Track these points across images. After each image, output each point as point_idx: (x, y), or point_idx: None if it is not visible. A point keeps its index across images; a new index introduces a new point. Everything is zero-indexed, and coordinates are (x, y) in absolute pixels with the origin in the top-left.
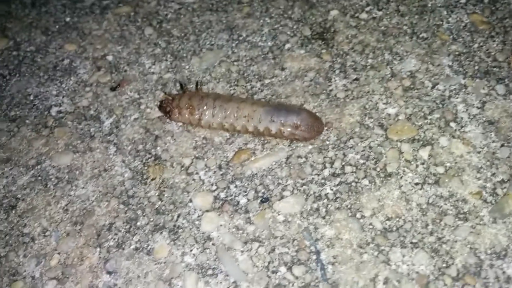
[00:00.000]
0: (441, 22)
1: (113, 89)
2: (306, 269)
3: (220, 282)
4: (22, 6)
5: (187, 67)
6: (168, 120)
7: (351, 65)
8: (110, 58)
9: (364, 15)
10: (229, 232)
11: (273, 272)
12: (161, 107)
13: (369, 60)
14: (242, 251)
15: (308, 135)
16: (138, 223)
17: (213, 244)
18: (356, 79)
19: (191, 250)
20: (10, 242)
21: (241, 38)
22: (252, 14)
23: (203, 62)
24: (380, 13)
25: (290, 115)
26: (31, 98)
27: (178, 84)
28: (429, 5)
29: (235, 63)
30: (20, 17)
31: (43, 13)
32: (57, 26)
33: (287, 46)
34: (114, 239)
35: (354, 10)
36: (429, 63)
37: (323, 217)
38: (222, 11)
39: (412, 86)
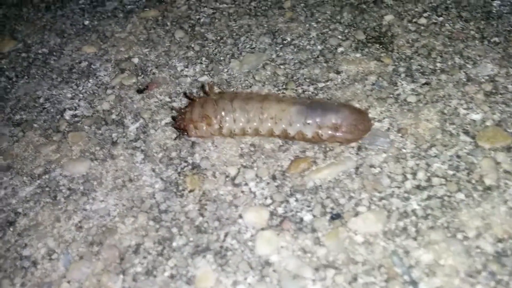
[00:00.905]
0: (511, 28)
1: (140, 91)
2: None
3: None
4: (35, 9)
5: (225, 70)
6: (187, 137)
7: (418, 69)
8: (135, 60)
9: (423, 20)
10: (293, 256)
11: None
12: (175, 125)
13: (438, 64)
14: (313, 280)
15: (351, 136)
16: (174, 244)
17: (274, 270)
18: (427, 83)
19: (245, 279)
20: (5, 267)
21: (285, 41)
22: (295, 19)
23: (244, 65)
24: (441, 18)
25: (328, 114)
26: (41, 101)
27: (183, 96)
28: (494, 11)
29: (282, 66)
30: (32, 20)
31: (59, 16)
32: (74, 29)
33: (340, 49)
34: (143, 264)
35: (410, 15)
36: (509, 67)
37: (414, 238)
38: (261, 15)
39: (494, 91)
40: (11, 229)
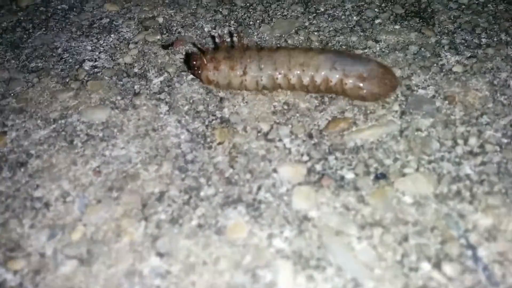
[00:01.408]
0: None
1: (165, 47)
2: (462, 268)
3: (331, 278)
4: None
5: (255, 33)
6: (195, 74)
7: (462, 43)
8: (160, 20)
9: (464, 0)
10: (335, 212)
11: (411, 269)
12: (189, 61)
13: (483, 40)
14: (359, 238)
15: (378, 90)
16: (202, 194)
17: (313, 226)
18: (473, 56)
19: (281, 232)
20: (13, 206)
21: (319, 11)
22: None
23: (276, 29)
24: (482, 0)
25: (356, 63)
26: (59, 51)
27: (210, 39)
28: None
29: (316, 33)
30: None
31: None
32: None
33: (378, 21)
34: (167, 211)
35: None
36: None
37: (470, 202)
38: None
39: None
40: (22, 169)
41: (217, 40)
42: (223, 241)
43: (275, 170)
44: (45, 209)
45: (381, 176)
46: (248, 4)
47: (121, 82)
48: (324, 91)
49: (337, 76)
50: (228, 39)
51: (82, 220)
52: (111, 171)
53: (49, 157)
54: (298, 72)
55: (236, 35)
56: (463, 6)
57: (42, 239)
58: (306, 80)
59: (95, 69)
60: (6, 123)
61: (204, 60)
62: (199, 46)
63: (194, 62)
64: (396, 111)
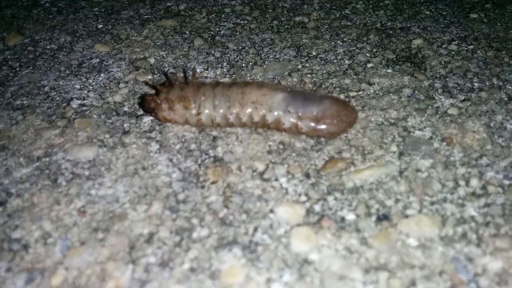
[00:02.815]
0: None
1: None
2: None
3: None
4: (46, 12)
5: (248, 75)
6: (151, 115)
7: (455, 87)
8: (151, 60)
9: (453, 47)
10: (337, 255)
11: None
12: (143, 102)
13: (476, 84)
14: (364, 283)
15: (333, 128)
16: (194, 235)
17: (315, 269)
18: (467, 99)
19: (281, 276)
20: None
21: (311, 55)
22: (320, 37)
23: (269, 71)
24: (471, 46)
25: (309, 104)
26: (46, 89)
27: (163, 76)
28: None
29: (309, 75)
30: (42, 20)
31: (71, 19)
32: (86, 30)
33: (370, 65)
34: (157, 254)
35: (440, 42)
36: None
37: (477, 245)
38: (284, 32)
39: None
40: (0, 209)
41: (169, 76)
42: (218, 286)
43: (272, 211)
44: (24, 251)
45: (383, 218)
46: (240, 47)
47: (110, 121)
48: (273, 129)
49: (290, 120)
50: (182, 75)
51: (64, 263)
52: (96, 211)
53: (30, 196)
54: (250, 110)
55: (190, 71)
56: (453, 52)
57: (19, 283)
58: (257, 118)
59: (83, 107)
60: None
61: (158, 101)
62: (153, 84)
63: (149, 105)
64: (394, 152)
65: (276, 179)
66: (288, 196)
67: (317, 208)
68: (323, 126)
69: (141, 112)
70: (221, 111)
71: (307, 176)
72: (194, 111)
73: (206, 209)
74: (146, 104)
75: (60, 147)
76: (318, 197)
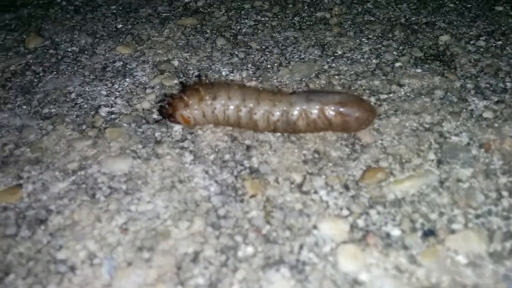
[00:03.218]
0: None
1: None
2: None
3: None
4: (63, 11)
5: (275, 77)
6: (172, 120)
7: (487, 87)
8: (175, 63)
9: (481, 43)
10: (388, 275)
11: None
12: (162, 109)
13: (508, 84)
14: None
15: (358, 113)
16: (240, 254)
17: None
18: (501, 101)
19: None
20: (36, 271)
21: (337, 54)
22: (344, 34)
23: (295, 73)
24: (500, 42)
25: (329, 94)
26: (73, 96)
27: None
28: None
29: (337, 76)
30: (60, 20)
31: (89, 19)
32: (106, 31)
33: (398, 64)
34: (204, 275)
35: (467, 38)
36: None
37: None
38: (307, 29)
39: None
40: (42, 227)
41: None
42: None
43: (315, 227)
44: (71, 273)
45: (429, 233)
46: (264, 47)
47: (141, 129)
48: (298, 128)
49: (317, 106)
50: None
51: (112, 286)
52: (139, 229)
53: (71, 213)
54: (267, 107)
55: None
56: (482, 49)
57: None
58: (277, 114)
59: (112, 115)
60: (21, 175)
61: (173, 102)
62: (169, 93)
63: (166, 108)
64: (432, 160)
65: (316, 192)
66: (330, 210)
67: (360, 223)
68: (349, 110)
69: (159, 117)
70: (237, 102)
71: (346, 188)
72: (209, 102)
73: (248, 225)
74: (163, 111)
75: (94, 159)
76: (361, 211)
